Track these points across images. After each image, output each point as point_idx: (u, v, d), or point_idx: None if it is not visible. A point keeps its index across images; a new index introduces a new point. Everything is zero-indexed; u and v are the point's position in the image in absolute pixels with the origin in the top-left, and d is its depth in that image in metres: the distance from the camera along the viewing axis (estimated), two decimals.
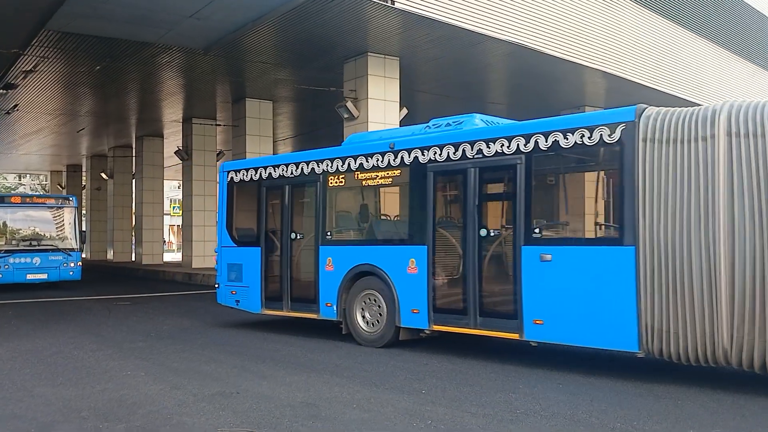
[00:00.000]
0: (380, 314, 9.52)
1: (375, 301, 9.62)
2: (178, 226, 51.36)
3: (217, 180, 12.54)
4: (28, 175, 57.82)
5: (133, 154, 33.89)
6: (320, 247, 10.40)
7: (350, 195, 10.88)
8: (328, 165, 10.46)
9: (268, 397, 6.74)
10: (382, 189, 10.15)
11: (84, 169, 41.53)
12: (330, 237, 10.44)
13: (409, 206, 9.59)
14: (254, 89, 22.92)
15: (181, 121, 27.60)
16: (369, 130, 18.31)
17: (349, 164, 10.15)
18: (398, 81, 18.89)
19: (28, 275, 19.25)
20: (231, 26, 16.32)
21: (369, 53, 18.24)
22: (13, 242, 19.75)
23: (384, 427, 5.67)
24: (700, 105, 23.41)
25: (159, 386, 7.25)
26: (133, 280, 25.11)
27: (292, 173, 10.97)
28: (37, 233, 20.25)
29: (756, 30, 28.85)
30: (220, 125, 26.79)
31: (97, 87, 22.40)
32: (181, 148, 27.59)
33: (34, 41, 16.73)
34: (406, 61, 18.82)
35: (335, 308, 10.09)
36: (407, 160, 9.36)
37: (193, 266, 26.70)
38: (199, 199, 27.31)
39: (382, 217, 10.78)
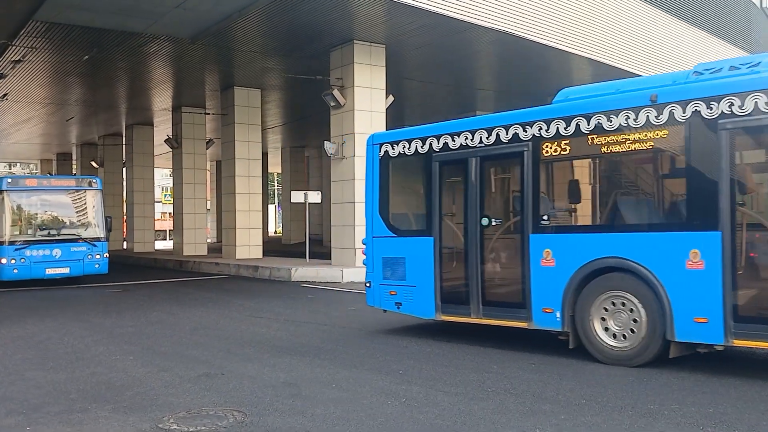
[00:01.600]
0: (635, 324, 7.31)
1: (625, 305, 7.39)
2: (170, 213, 51.47)
3: (364, 155, 10.35)
4: (18, 164, 57.78)
5: (123, 143, 34.00)
6: (532, 235, 8.20)
7: (578, 166, 8.49)
8: (541, 129, 8.16)
9: (251, 377, 7.00)
10: (633, 156, 7.78)
11: (74, 157, 41.61)
12: (547, 222, 8.22)
13: (687, 177, 7.23)
14: (242, 78, 23.07)
15: (170, 109, 27.73)
16: (355, 118, 18.55)
17: (578, 126, 7.86)
18: (384, 69, 19.07)
19: (47, 269, 16.99)
20: (218, 15, 16.48)
21: (355, 41, 18.42)
22: (30, 232, 17.36)
23: (360, 405, 5.94)
24: None
25: (146, 369, 7.51)
26: (126, 267, 25.31)
27: (481, 142, 8.72)
28: (58, 221, 17.88)
29: (738, 14, 29.13)
30: (209, 113, 26.93)
31: (86, 76, 22.50)
32: (170, 136, 27.73)
33: (22, 32, 16.85)
34: (392, 49, 19.00)
35: (559, 315, 7.88)
36: (681, 115, 7.12)
37: (184, 254, 26.91)
38: (189, 187, 27.48)
39: (634, 194, 8.33)
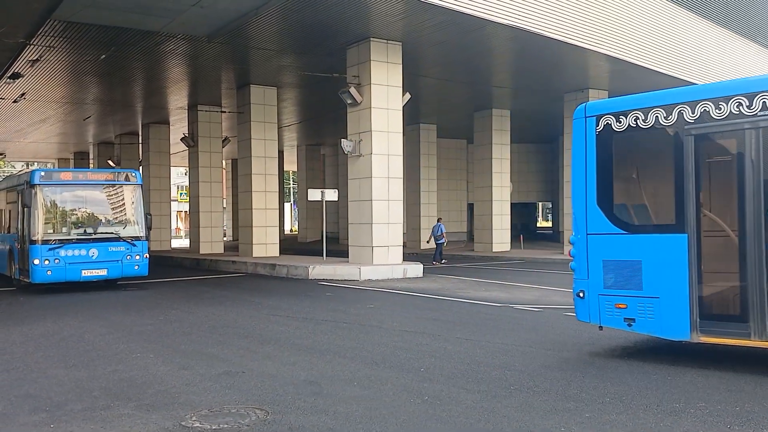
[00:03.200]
0: None
1: None
2: (186, 211, 51.71)
3: (571, 132, 8.46)
4: (36, 163, 58.24)
5: (140, 141, 34.20)
6: None
7: None
8: None
9: (272, 376, 6.99)
10: None
11: (91, 156, 41.90)
12: None
13: None
14: (258, 76, 23.10)
15: (186, 108, 27.84)
16: (372, 116, 18.54)
17: None
18: (401, 66, 19.01)
19: (83, 271, 15.55)
20: (234, 14, 16.49)
21: (371, 39, 18.38)
22: (64, 230, 15.91)
23: (382, 403, 5.91)
24: None
25: (167, 367, 7.52)
26: None
27: (765, 109, 6.70)
28: (94, 218, 16.38)
29: (758, 10, 28.75)
30: (225, 112, 27.02)
31: (103, 75, 22.62)
32: (186, 134, 27.83)
33: (40, 31, 16.95)
34: (408, 46, 18.94)
35: None
36: None
37: (200, 252, 27.01)
38: (205, 186, 27.58)
39: None
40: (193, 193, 28.32)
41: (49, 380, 6.98)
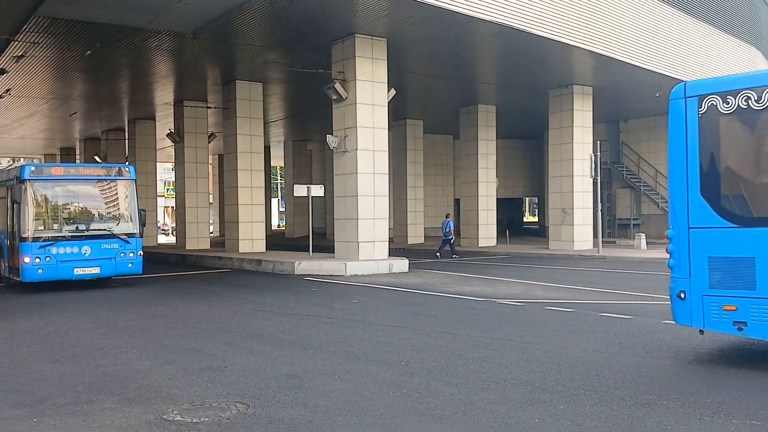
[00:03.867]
0: None
1: None
2: (172, 207, 51.57)
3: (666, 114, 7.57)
4: (21, 159, 57.89)
5: (126, 137, 34.07)
6: None
7: None
8: None
9: (254, 370, 7.08)
10: None
11: (77, 152, 41.72)
12: None
13: None
14: (244, 72, 23.10)
15: (172, 103, 27.78)
16: (357, 112, 18.63)
17: None
18: (386, 62, 19.08)
19: (75, 269, 15.02)
20: (219, 10, 16.49)
21: (356, 34, 18.43)
22: (56, 227, 15.31)
23: (362, 397, 6.01)
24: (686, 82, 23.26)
25: (150, 362, 7.59)
26: None
27: None
28: (87, 214, 15.84)
29: (743, 7, 29.05)
30: (211, 107, 26.97)
31: (89, 71, 22.56)
32: (172, 130, 27.78)
33: (25, 27, 16.88)
34: (393, 42, 19.01)
35: None
36: None
37: (186, 247, 27.01)
38: (191, 181, 27.56)
39: None
40: (179, 188, 28.28)
41: (32, 375, 7.04)
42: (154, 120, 31.96)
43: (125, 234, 15.76)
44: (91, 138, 38.11)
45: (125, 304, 12.88)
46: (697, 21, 25.48)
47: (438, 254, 24.74)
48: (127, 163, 17.35)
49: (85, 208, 15.92)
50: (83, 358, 7.82)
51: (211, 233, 37.19)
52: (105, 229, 15.66)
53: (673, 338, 8.48)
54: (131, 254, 15.74)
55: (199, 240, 27.68)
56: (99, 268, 15.30)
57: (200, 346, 8.44)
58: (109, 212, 16.11)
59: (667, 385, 6.25)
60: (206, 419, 5.42)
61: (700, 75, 25.08)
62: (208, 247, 27.55)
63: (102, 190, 16.07)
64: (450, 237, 25.01)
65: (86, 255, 15.12)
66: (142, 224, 16.25)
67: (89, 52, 18.98)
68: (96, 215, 15.95)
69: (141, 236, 16.14)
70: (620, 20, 21.40)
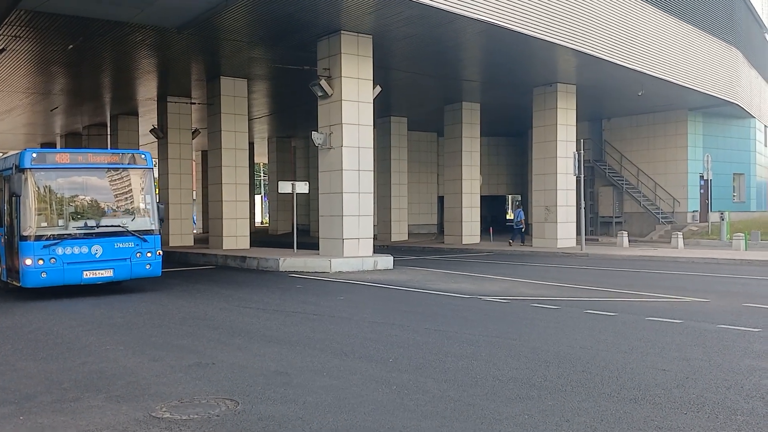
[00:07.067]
0: None
1: None
2: None
3: None
4: (1, 153, 57.24)
5: (108, 133, 33.77)
6: None
7: None
8: None
9: (242, 367, 7.07)
10: None
11: (59, 147, 41.29)
12: None
13: None
14: (229, 67, 23.00)
15: (155, 99, 27.59)
16: (343, 109, 18.62)
17: None
18: (371, 59, 19.09)
19: (85, 272, 13.05)
20: (205, 5, 16.38)
21: (342, 32, 18.42)
22: (62, 223, 13.25)
23: (350, 393, 6.02)
24: (668, 81, 23.84)
25: (137, 359, 7.55)
26: None
27: None
28: (97, 208, 13.79)
29: (723, 7, 29.35)
30: (195, 103, 26.84)
31: (71, 66, 22.33)
32: (156, 126, 27.60)
33: (6, 20, 16.67)
34: (379, 40, 19.01)
35: None
36: None
37: (170, 244, 26.85)
38: (174, 178, 27.42)
39: None
40: (163, 185, 28.11)
41: (17, 373, 6.98)
42: (137, 115, 31.72)
43: (142, 231, 13.80)
44: (73, 133, 37.75)
45: (109, 301, 12.78)
46: (680, 21, 25.73)
47: (510, 242, 28.08)
48: (143, 150, 15.57)
49: (96, 201, 13.86)
50: (69, 356, 7.76)
51: (195, 230, 37.00)
52: (119, 226, 13.65)
53: (656, 335, 8.58)
54: (149, 254, 13.83)
55: (182, 237, 27.55)
56: (112, 270, 13.38)
57: (187, 343, 8.41)
58: (123, 206, 14.09)
59: (653, 381, 6.33)
60: (195, 416, 5.40)
61: (682, 74, 25.35)
62: (192, 244, 27.41)
63: (114, 180, 14.03)
64: (521, 226, 27.72)
65: (97, 255, 13.18)
66: (161, 219, 14.34)
67: (71, 46, 18.80)
68: (108, 209, 13.92)
69: (160, 233, 14.24)
70: (604, 19, 21.55)
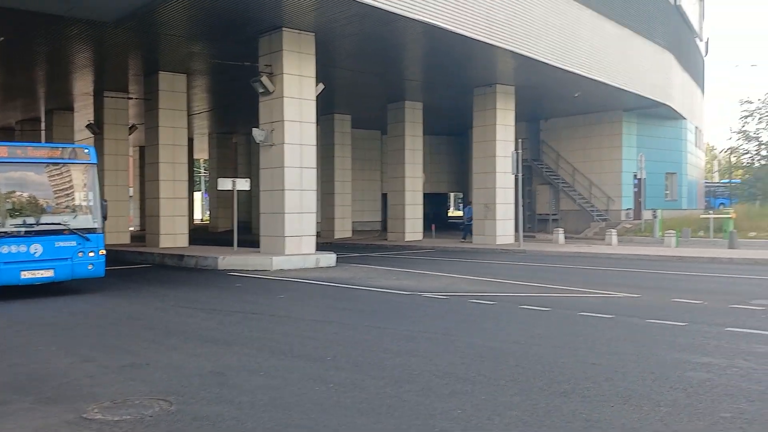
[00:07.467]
0: None
1: None
2: None
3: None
4: None
5: (42, 128, 32.75)
6: None
7: None
8: None
9: (177, 367, 6.99)
10: None
11: None
12: None
13: None
14: (167, 62, 22.60)
15: (92, 94, 26.87)
16: (284, 106, 18.53)
17: None
18: (314, 56, 19.03)
19: (23, 273, 12.40)
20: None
21: (284, 28, 18.32)
22: None
23: (287, 392, 6.03)
24: (604, 83, 24.46)
25: (70, 360, 7.38)
26: None
27: None
28: (37, 205, 13.09)
29: (658, 12, 30.32)
30: (132, 98, 26.25)
31: (2, 59, 21.55)
32: (92, 122, 26.89)
33: None
34: (321, 37, 18.97)
35: None
36: None
37: (106, 243, 26.13)
38: (111, 174, 26.74)
39: None
40: (99, 181, 27.34)
41: None
42: (73, 111, 30.85)
43: (84, 229, 13.20)
44: (4, 128, 36.39)
45: (41, 300, 12.42)
46: (616, 24, 26.47)
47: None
48: (87, 145, 14.82)
49: (35, 197, 13.15)
50: None
51: (132, 228, 36.22)
52: (60, 224, 13.00)
53: (588, 330, 8.84)
54: (92, 254, 13.25)
55: (119, 234, 26.88)
56: (53, 270, 12.75)
57: (122, 344, 8.26)
58: (65, 203, 13.46)
59: (583, 375, 6.53)
60: (128, 417, 5.33)
61: (618, 76, 26.08)
62: (128, 242, 26.81)
63: (56, 175, 13.39)
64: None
65: (37, 255, 12.56)
66: (105, 217, 13.70)
67: (2, 39, 18.16)
68: (48, 206, 13.21)
69: (103, 232, 13.70)
70: (542, 22, 22.00)
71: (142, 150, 41.94)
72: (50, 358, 7.46)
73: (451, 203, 68.38)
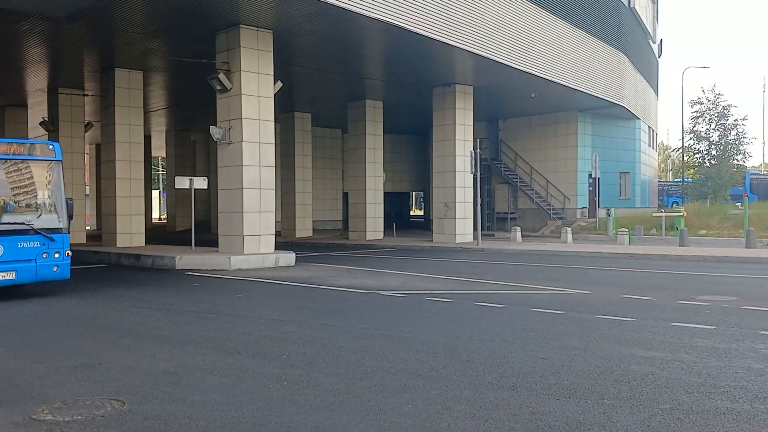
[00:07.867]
0: None
1: None
2: None
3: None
4: None
5: None
6: None
7: None
8: None
9: (130, 367, 6.96)
10: None
11: None
12: None
13: None
14: (124, 59, 22.28)
15: (46, 90, 26.35)
16: (242, 103, 18.45)
17: None
18: (272, 54, 18.99)
19: None
20: None
21: (242, 25, 18.24)
22: None
23: (241, 391, 6.06)
24: (559, 84, 24.87)
25: (19, 361, 7.29)
26: None
27: None
28: None
29: (612, 14, 30.92)
30: (88, 95, 25.82)
31: None
32: (46, 119, 26.38)
33: None
34: (280, 35, 18.94)
35: None
36: None
37: None
38: (66, 172, 25.93)
39: None
40: None
41: None
42: (26, 107, 30.19)
43: (49, 229, 12.50)
44: None
45: None
46: (571, 26, 26.93)
47: None
48: (52, 141, 13.89)
49: None
50: None
51: (88, 226, 35.61)
52: (23, 223, 12.27)
53: (539, 325, 9.04)
54: (57, 255, 12.57)
55: (74, 234, 26.35)
56: (15, 273, 12.05)
57: (74, 344, 8.18)
58: (27, 201, 12.77)
59: (531, 369, 6.70)
60: (79, 417, 5.31)
61: (572, 77, 26.54)
62: (84, 242, 26.39)
63: (17, 172, 12.58)
64: None
65: None
66: (70, 216, 12.94)
67: None
68: (10, 205, 12.45)
69: (68, 232, 12.93)
70: (499, 23, 22.29)
71: (98, 147, 41.24)
72: None
73: (413, 202, 68.65)
